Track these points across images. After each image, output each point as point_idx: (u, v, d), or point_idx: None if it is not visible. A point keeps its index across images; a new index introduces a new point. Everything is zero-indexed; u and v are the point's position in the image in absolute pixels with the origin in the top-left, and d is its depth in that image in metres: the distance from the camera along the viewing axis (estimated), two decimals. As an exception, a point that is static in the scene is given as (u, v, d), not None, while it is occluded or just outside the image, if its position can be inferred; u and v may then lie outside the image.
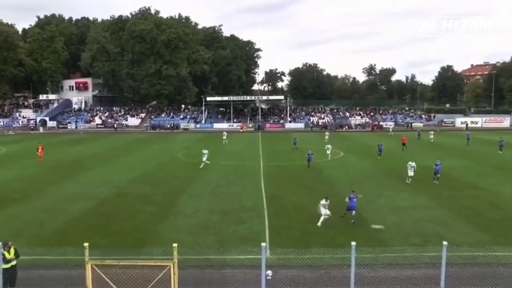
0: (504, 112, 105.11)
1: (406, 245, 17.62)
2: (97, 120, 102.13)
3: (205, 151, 40.06)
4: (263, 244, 11.11)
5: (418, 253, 15.56)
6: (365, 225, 21.50)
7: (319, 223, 20.85)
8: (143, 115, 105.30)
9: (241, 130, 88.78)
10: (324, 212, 20.99)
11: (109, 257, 12.50)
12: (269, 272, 11.56)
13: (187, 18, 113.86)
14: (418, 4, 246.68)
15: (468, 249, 16.36)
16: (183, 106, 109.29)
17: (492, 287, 13.26)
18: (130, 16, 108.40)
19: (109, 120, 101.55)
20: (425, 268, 14.65)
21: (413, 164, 31.63)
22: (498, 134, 65.01)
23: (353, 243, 10.88)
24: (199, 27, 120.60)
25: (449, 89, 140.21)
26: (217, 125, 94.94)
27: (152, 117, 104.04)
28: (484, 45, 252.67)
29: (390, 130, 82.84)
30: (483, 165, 40.21)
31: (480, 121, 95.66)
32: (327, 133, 65.15)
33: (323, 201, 21.19)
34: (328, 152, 44.75)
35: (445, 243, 10.96)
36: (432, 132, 64.62)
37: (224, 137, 63.17)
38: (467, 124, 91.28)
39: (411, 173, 31.34)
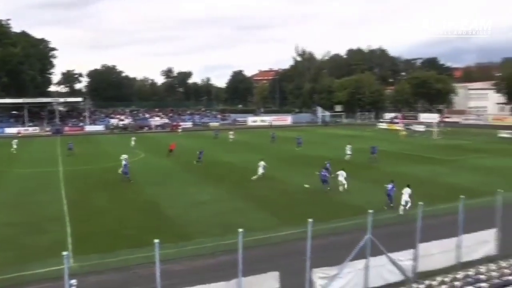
0: (287, 112, 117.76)
1: (208, 236, 18.54)
2: None
3: None
4: (64, 253, 10.42)
5: (218, 242, 16.54)
6: (169, 222, 21.91)
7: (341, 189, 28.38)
8: None
9: (19, 135, 77.57)
10: (341, 180, 28.46)
11: None
12: (73, 282, 10.87)
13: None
14: (215, 13, 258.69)
15: (261, 233, 18.05)
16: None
17: (279, 261, 14.83)
18: None
19: None
20: (225, 255, 15.55)
21: (263, 163, 32.68)
22: (296, 132, 72.17)
23: (156, 240, 10.99)
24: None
25: (241, 91, 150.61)
26: (10, 130, 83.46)
27: None
28: (269, 53, 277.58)
29: (179, 130, 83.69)
30: (279, 159, 43.87)
31: (268, 119, 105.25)
32: (134, 138, 59.36)
33: (341, 171, 28.77)
34: (124, 162, 36.23)
35: (240, 230, 11.83)
36: (232, 132, 66.54)
37: (15, 146, 53.03)
38: (271, 123, 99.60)
39: (261, 170, 32.31)
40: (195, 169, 38.25)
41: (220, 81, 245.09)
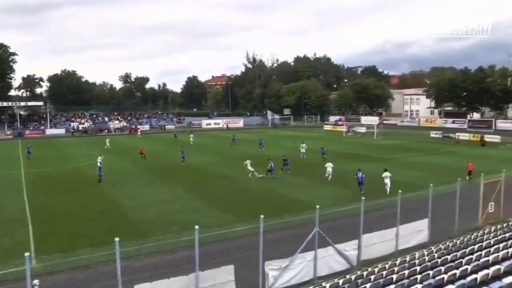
0: (239, 115, 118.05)
1: (166, 233, 18.35)
2: None
3: None
4: (26, 253, 10.06)
5: (176, 239, 16.41)
6: (129, 221, 21.55)
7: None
8: None
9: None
10: (329, 171, 32.08)
11: None
12: (36, 282, 10.52)
13: None
14: (171, 21, 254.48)
15: (217, 229, 18.07)
16: None
17: (233, 255, 14.91)
18: None
19: None
20: (183, 251, 15.35)
21: (249, 161, 33.75)
22: (257, 134, 72.01)
23: (116, 239, 10.84)
24: None
25: (195, 96, 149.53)
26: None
27: None
28: (222, 59, 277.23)
29: (138, 133, 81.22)
30: (235, 159, 43.65)
31: (221, 122, 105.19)
32: (108, 140, 57.99)
33: (329, 163, 32.80)
34: (99, 163, 34.21)
35: (196, 227, 11.83)
36: (192, 135, 64.49)
37: None
38: (227, 125, 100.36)
39: (250, 168, 33.06)
40: (154, 169, 37.72)
41: (176, 86, 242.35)
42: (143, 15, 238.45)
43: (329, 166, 32.39)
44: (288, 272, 13.78)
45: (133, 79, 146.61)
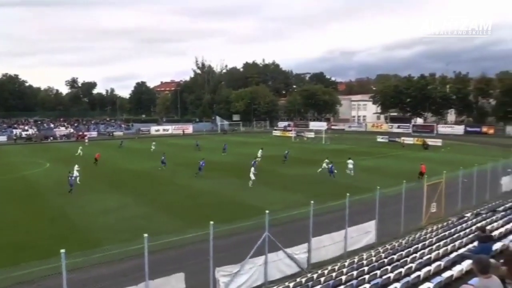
0: (188, 121, 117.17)
1: (117, 241, 17.85)
2: None
3: None
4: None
5: (127, 247, 15.99)
6: (78, 230, 20.85)
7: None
8: None
9: None
10: (351, 167, 37.00)
11: None
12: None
13: None
14: (119, 26, 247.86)
15: (168, 236, 17.78)
16: None
17: (184, 263, 14.75)
18: None
19: None
20: (133, 259, 14.92)
21: (253, 169, 33.35)
22: (207, 140, 71.38)
23: (62, 250, 10.41)
24: None
25: (144, 102, 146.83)
26: None
27: None
28: (170, 65, 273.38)
29: (86, 140, 78.13)
30: (187, 165, 43.43)
31: (170, 128, 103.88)
32: (81, 148, 55.28)
33: (350, 160, 37.43)
34: (75, 174, 33.30)
35: (145, 235, 11.61)
36: (154, 143, 62.18)
37: None
38: (183, 131, 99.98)
39: (252, 177, 32.30)
40: (103, 177, 36.70)
41: (124, 91, 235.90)
42: (91, 20, 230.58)
43: (350, 164, 37.12)
44: (239, 278, 13.82)
45: (80, 84, 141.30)
